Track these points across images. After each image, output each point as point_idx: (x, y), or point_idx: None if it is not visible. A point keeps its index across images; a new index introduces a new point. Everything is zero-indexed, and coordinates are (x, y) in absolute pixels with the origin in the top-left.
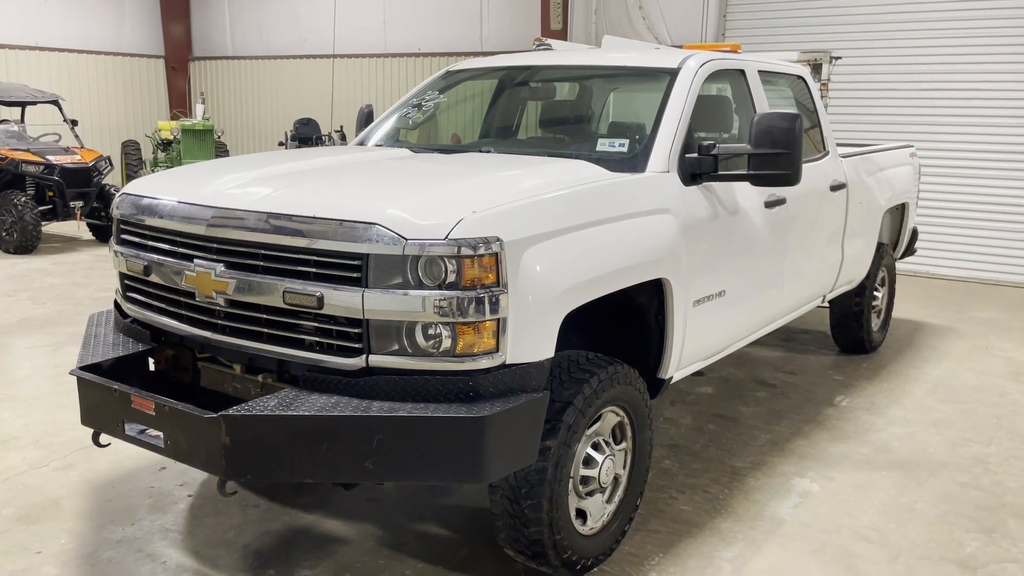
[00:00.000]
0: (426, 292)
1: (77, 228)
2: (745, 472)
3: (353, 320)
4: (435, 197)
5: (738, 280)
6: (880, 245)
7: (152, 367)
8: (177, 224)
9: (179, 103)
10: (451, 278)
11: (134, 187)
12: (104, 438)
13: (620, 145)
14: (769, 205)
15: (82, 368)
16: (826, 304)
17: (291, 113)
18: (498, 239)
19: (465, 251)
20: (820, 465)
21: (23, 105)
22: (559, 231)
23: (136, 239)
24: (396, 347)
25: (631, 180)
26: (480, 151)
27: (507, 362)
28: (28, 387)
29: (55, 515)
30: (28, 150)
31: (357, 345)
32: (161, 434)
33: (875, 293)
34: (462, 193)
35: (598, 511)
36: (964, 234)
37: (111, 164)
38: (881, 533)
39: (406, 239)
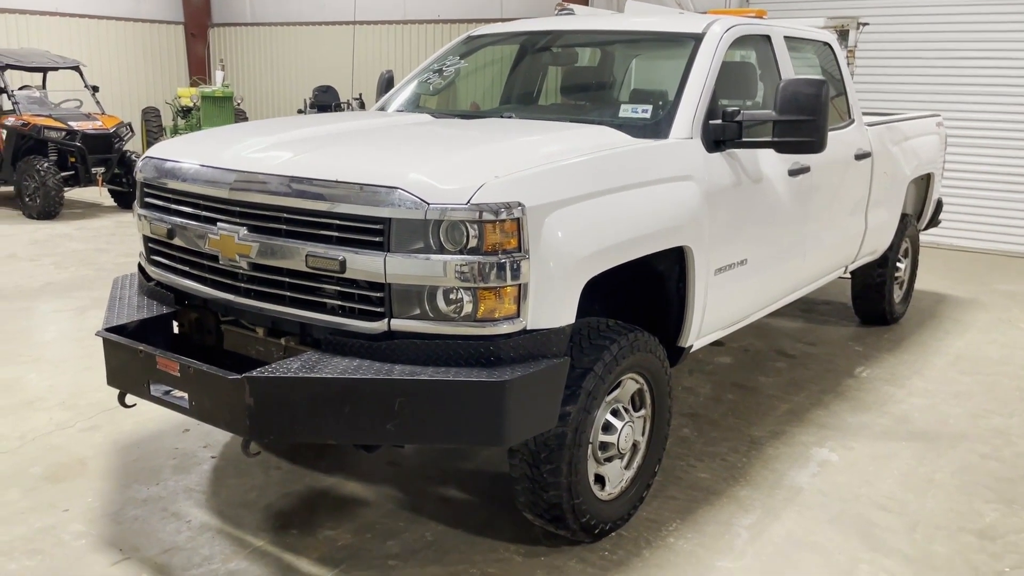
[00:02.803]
0: (448, 257)
1: (99, 194)
2: (763, 441)
3: (375, 284)
4: (457, 162)
5: (760, 249)
6: (904, 216)
7: (176, 330)
8: (200, 187)
9: (199, 70)
10: (473, 243)
11: (157, 150)
12: (130, 399)
13: (643, 111)
14: (793, 173)
15: (108, 329)
16: (848, 275)
17: (310, 80)
18: (520, 204)
19: (487, 216)
20: (839, 435)
21: (45, 71)
22: (581, 197)
23: (159, 202)
24: (418, 311)
25: (654, 146)
26: (502, 117)
27: (528, 327)
28: (53, 350)
29: (81, 474)
30: (50, 116)
31: (379, 309)
32: (186, 395)
33: (898, 264)
34: (484, 158)
35: (616, 477)
36: (990, 206)
37: (132, 130)
38: (900, 503)
39: (428, 203)
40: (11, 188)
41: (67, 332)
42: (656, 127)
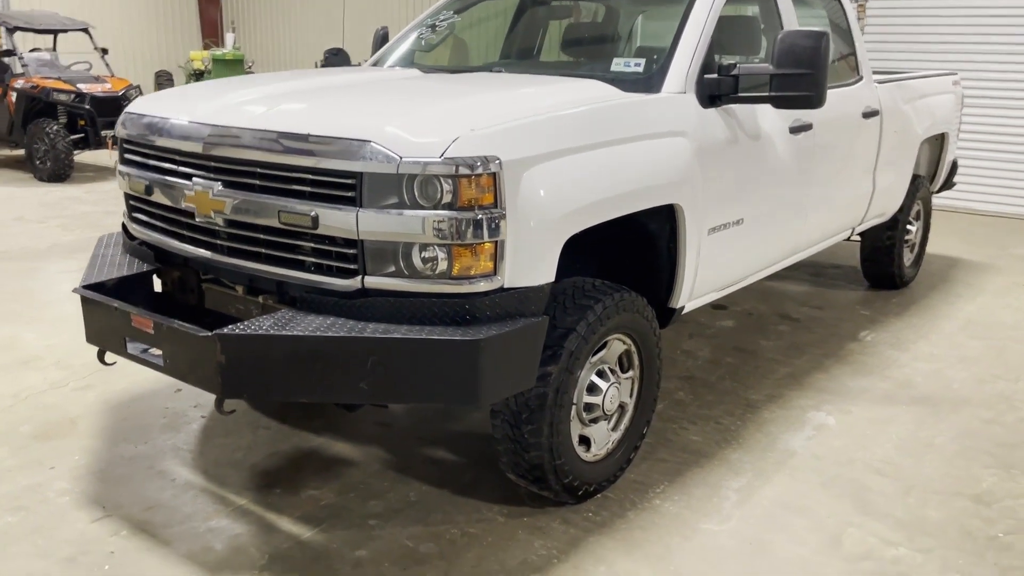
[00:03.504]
0: (421, 213)
1: (109, 157)
2: (759, 404)
3: (348, 241)
4: (433, 115)
5: (758, 208)
6: (916, 177)
7: (160, 288)
8: (176, 142)
9: (211, 32)
10: (447, 198)
11: (136, 106)
12: (110, 357)
13: (636, 65)
14: (794, 131)
15: (86, 287)
16: (856, 238)
17: (322, 43)
18: (496, 158)
19: (462, 170)
20: (838, 399)
21: (55, 33)
22: (563, 152)
23: (139, 158)
24: (392, 269)
25: (643, 100)
26: (491, 71)
27: (505, 286)
28: (54, 310)
29: (71, 433)
30: (59, 79)
31: (353, 266)
32: (161, 352)
33: (908, 227)
34: (462, 111)
35: (602, 438)
36: (1009, 168)
37: (141, 93)
38: (895, 467)
39: (400, 157)
40: (22, 151)
41: (69, 293)
42: (648, 81)
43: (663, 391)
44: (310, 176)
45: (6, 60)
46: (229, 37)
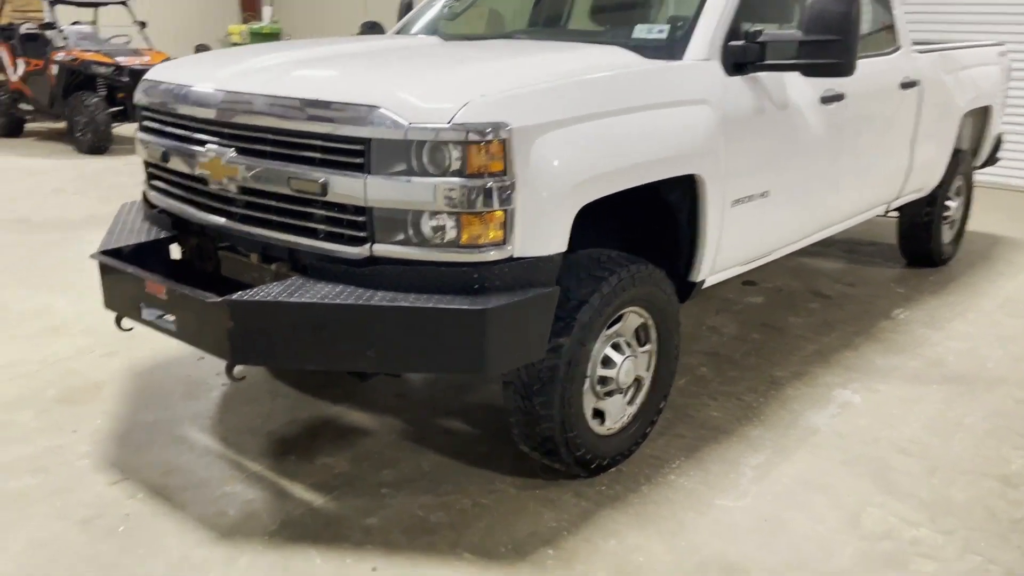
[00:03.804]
0: (429, 180)
1: None
2: (784, 381)
3: (357, 208)
4: (444, 81)
5: (785, 180)
6: (957, 151)
7: (179, 256)
8: (191, 109)
9: (250, 6)
10: (456, 166)
11: (154, 73)
12: (127, 323)
13: (659, 32)
14: (826, 100)
15: (103, 252)
16: (893, 214)
17: (359, 16)
18: (507, 125)
19: (471, 137)
20: (866, 377)
21: (95, 6)
22: (576, 119)
23: (156, 125)
24: (400, 237)
25: (664, 67)
26: (511, 38)
27: (515, 255)
28: (85, 279)
29: (94, 398)
30: (99, 52)
31: (362, 234)
32: (174, 318)
33: (948, 203)
34: (474, 77)
35: (617, 412)
36: None
37: None
38: (922, 446)
39: (408, 123)
40: (63, 123)
41: None
42: (671, 48)
43: (685, 367)
44: (320, 142)
45: (47, 34)
46: (267, 11)
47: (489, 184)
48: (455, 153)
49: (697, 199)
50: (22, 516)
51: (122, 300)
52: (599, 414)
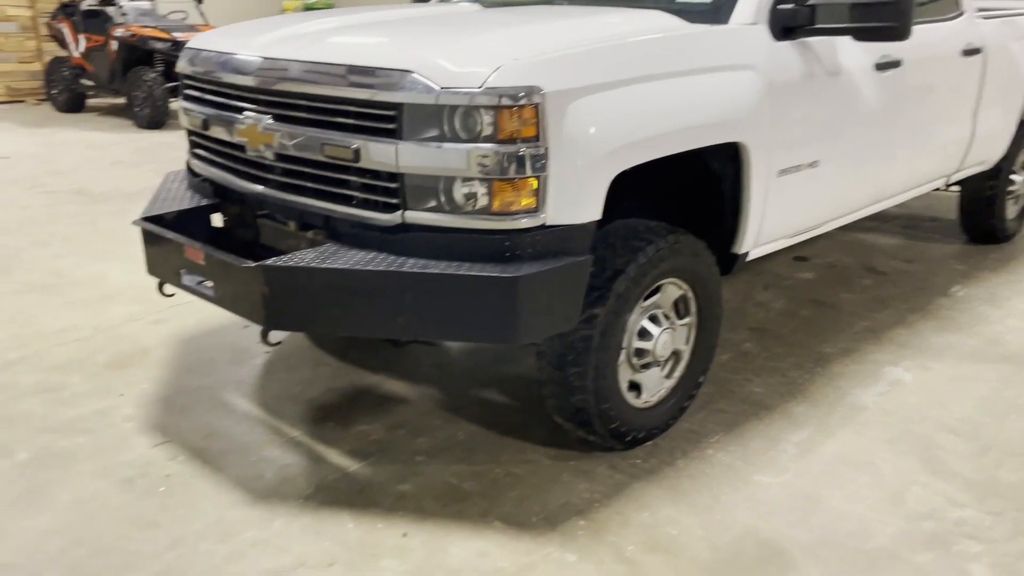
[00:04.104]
0: (461, 146)
1: None
2: (832, 358)
3: (389, 175)
4: (478, 45)
5: (836, 150)
6: (1023, 123)
7: (221, 224)
8: (229, 76)
9: None
10: (487, 131)
11: (196, 41)
12: (169, 289)
13: None
14: (880, 67)
15: (145, 219)
16: (953, 188)
17: None
18: (540, 89)
19: (503, 101)
20: (918, 355)
21: None
22: (612, 84)
23: (196, 93)
24: (432, 203)
25: (706, 31)
26: (552, 4)
27: (547, 223)
28: (139, 248)
29: (142, 363)
30: (157, 27)
31: (394, 201)
32: (212, 284)
33: (1013, 177)
34: (508, 41)
35: (654, 385)
36: None
37: None
38: (973, 426)
39: (440, 88)
40: (122, 98)
41: None
42: (716, 12)
43: (729, 342)
44: (353, 108)
45: (107, 10)
46: None
47: (521, 150)
48: (487, 118)
49: (741, 168)
50: (68, 474)
51: (163, 266)
52: (635, 387)
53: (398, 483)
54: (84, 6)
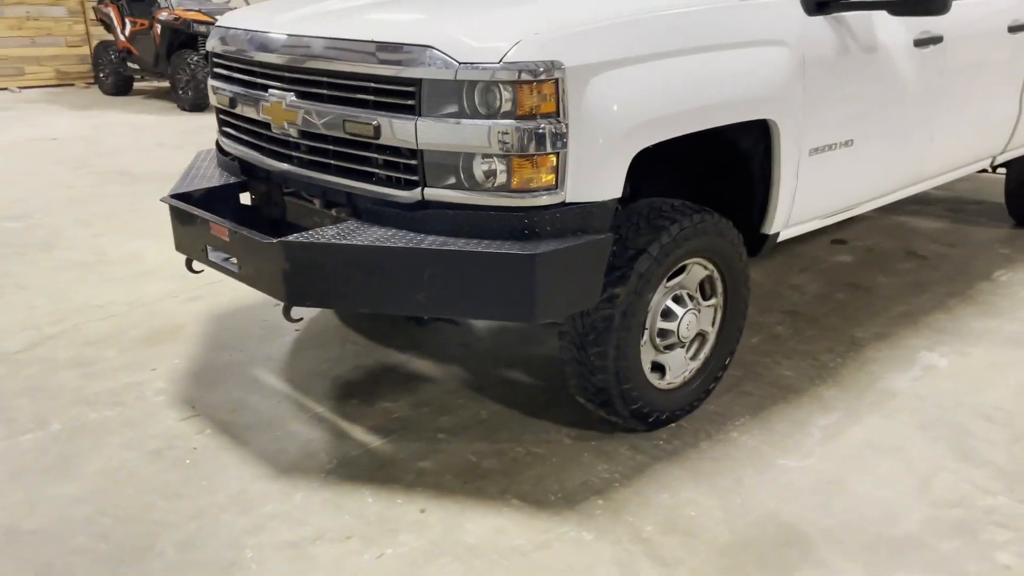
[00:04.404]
0: (480, 122)
1: None
2: (865, 342)
3: (408, 152)
4: (499, 18)
5: (871, 129)
6: None
7: (249, 202)
8: (254, 53)
9: None
10: (507, 107)
11: (225, 19)
12: (197, 266)
13: None
14: (920, 44)
15: (173, 196)
16: (1000, 171)
17: None
18: (560, 64)
19: (523, 76)
20: (956, 340)
21: None
22: (636, 58)
23: (224, 71)
24: (451, 181)
25: (735, 6)
26: None
27: (567, 200)
28: None
29: (175, 339)
30: (200, 11)
31: (413, 178)
32: (236, 260)
33: None
34: (531, 15)
35: (679, 366)
36: None
37: None
38: (1008, 414)
39: (459, 63)
40: (168, 82)
41: None
42: None
43: (760, 324)
44: (373, 84)
45: None
46: None
47: (541, 126)
48: (506, 94)
49: (771, 147)
50: (98, 445)
51: (190, 242)
52: (659, 368)
53: (419, 460)
54: None
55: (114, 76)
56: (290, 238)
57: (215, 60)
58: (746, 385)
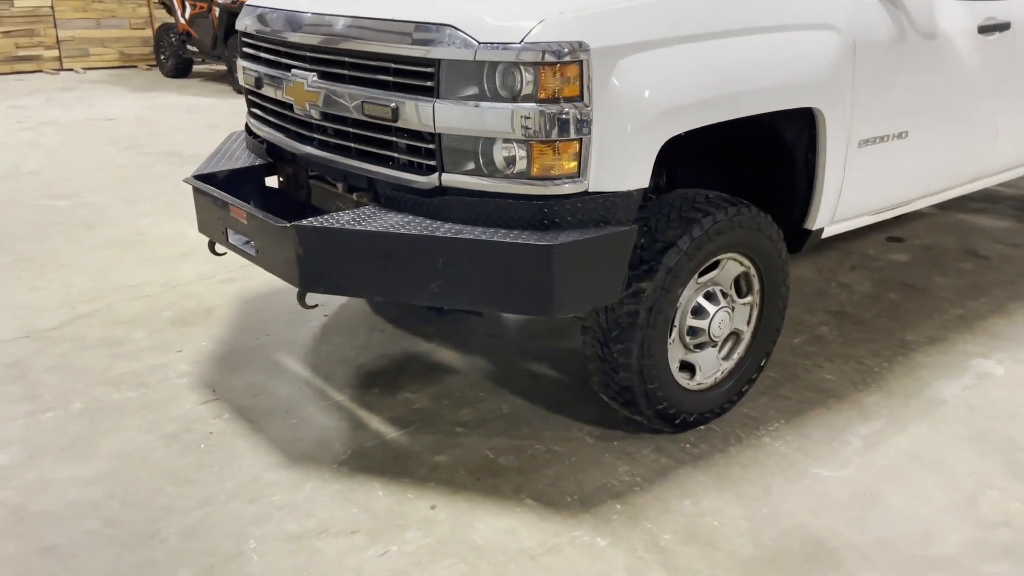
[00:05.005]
0: (499, 105)
1: None
2: (915, 347)
3: (427, 135)
4: None
5: (928, 121)
6: None
7: (277, 184)
8: (278, 32)
9: None
10: (527, 90)
11: None
12: (220, 248)
13: None
14: (985, 30)
15: (196, 177)
16: None
17: None
18: (584, 45)
19: (547, 57)
20: (1014, 347)
21: None
22: (666, 40)
23: (251, 51)
24: (470, 166)
25: None
26: None
27: (589, 189)
28: None
29: (204, 321)
30: None
31: (431, 162)
32: (253, 243)
33: None
34: None
35: (710, 367)
36: None
37: None
38: None
39: (478, 43)
40: (225, 64)
41: None
42: None
43: (804, 324)
44: (392, 65)
45: None
46: None
47: (564, 111)
48: (527, 76)
49: (815, 137)
50: (116, 426)
51: (212, 224)
52: (688, 367)
53: (434, 454)
54: None
55: (174, 58)
56: (303, 222)
57: (243, 39)
58: (783, 388)
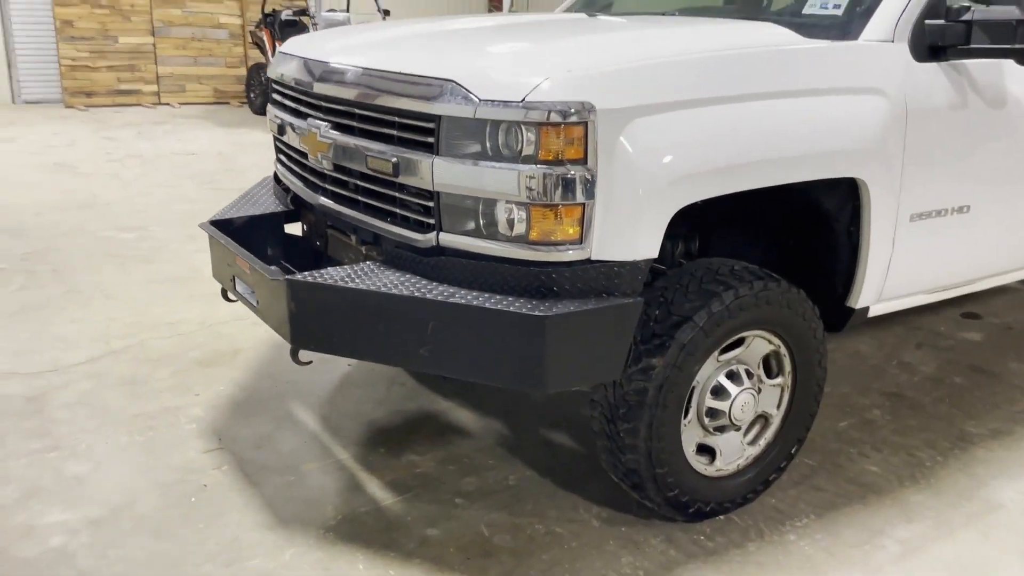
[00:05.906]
0: (499, 164)
1: None
2: (976, 440)
3: (426, 192)
4: (532, 54)
5: (994, 194)
6: None
7: (300, 233)
8: (298, 81)
9: (497, 1)
10: (528, 150)
11: (286, 46)
12: (231, 295)
13: (835, 7)
14: None
15: (213, 223)
16: None
17: None
18: (589, 105)
19: (551, 117)
20: None
21: None
22: (682, 103)
23: (278, 98)
24: (468, 226)
25: (822, 48)
26: (666, 14)
27: (592, 257)
28: None
29: (230, 363)
30: None
31: (430, 221)
32: (255, 293)
33: None
34: (567, 51)
35: (732, 452)
36: None
37: None
38: None
39: (479, 99)
40: None
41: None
42: (845, 26)
43: (854, 406)
44: (396, 119)
45: (303, 19)
46: (506, 3)
47: (568, 173)
48: (528, 135)
49: (860, 209)
50: (114, 472)
51: (223, 272)
52: (708, 450)
53: (427, 526)
54: (283, 16)
55: (263, 96)
56: (296, 276)
57: (273, 86)
58: (819, 478)
